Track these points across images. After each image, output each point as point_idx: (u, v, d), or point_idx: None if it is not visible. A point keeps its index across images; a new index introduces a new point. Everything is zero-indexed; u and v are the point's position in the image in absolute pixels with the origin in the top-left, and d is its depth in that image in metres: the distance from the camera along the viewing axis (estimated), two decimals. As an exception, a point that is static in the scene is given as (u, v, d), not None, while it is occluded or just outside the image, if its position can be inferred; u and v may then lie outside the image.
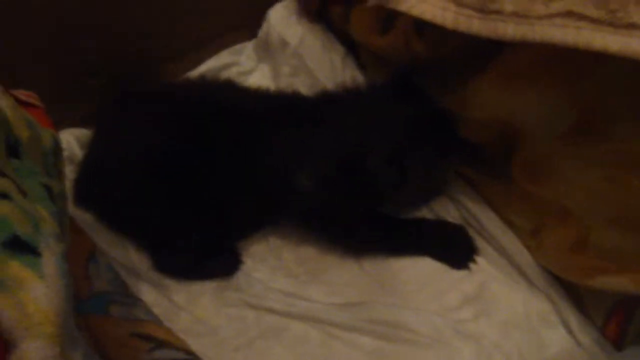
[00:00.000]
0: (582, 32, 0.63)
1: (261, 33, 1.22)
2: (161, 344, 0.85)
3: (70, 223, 0.85)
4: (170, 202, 0.93)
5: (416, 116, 0.92)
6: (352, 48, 1.16)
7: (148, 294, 0.96)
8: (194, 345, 0.92)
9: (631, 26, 0.60)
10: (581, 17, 0.63)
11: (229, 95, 0.99)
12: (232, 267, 1.01)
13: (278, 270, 1.02)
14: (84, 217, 0.98)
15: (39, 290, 0.55)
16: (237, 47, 1.24)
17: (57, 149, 0.78)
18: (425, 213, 1.06)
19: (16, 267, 0.55)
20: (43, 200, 0.66)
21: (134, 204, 0.94)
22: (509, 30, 0.69)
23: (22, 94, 0.80)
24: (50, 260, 0.58)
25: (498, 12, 0.70)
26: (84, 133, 1.06)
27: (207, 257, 1.01)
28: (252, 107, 0.97)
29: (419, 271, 1.01)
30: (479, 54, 0.84)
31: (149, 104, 0.97)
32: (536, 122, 0.84)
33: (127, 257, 0.98)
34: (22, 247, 0.57)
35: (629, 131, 0.73)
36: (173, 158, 0.92)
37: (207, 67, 1.20)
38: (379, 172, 0.90)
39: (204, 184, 0.93)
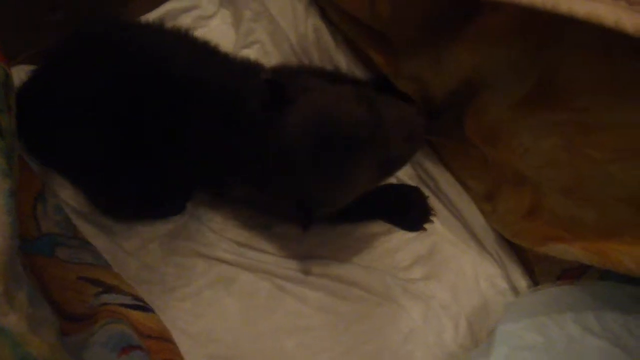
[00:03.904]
0: (550, -5, 0.62)
1: (222, -25, 1.19)
2: (109, 288, 0.84)
3: (19, 161, 0.83)
4: (106, 144, 0.89)
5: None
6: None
7: (98, 239, 0.94)
8: (142, 292, 0.91)
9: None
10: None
11: (176, 52, 0.92)
12: (175, 209, 1.00)
13: (230, 220, 1.00)
14: (30, 158, 0.95)
15: (-17, 227, 0.53)
16: (199, -10, 1.20)
17: (8, 82, 0.75)
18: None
19: (-42, 202, 0.53)
20: (-11, 134, 0.64)
21: (71, 144, 0.91)
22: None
23: (-30, 25, 0.76)
24: None
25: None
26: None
27: (149, 198, 0.98)
28: (193, 72, 0.89)
29: (371, 229, 1.01)
30: (449, 15, 0.83)
31: (98, 46, 0.92)
32: (497, 81, 0.84)
33: (77, 200, 0.96)
34: (-36, 182, 0.54)
35: (589, 103, 0.73)
36: (114, 104, 0.88)
37: (167, 8, 1.15)
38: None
39: (141, 133, 0.89)
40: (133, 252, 0.96)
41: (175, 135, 0.88)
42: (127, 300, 0.83)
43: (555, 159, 0.80)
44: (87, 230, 0.94)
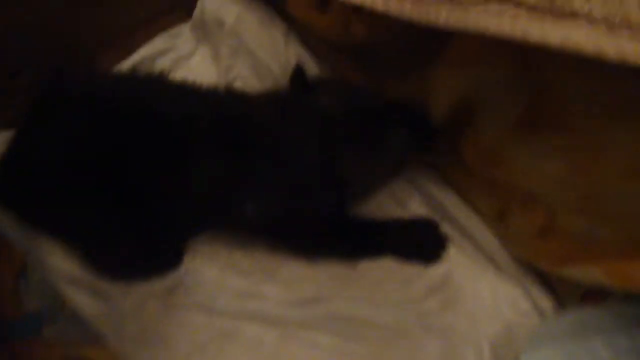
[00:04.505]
0: (519, 21, 0.55)
1: (196, 13, 1.13)
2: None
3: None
4: (98, 201, 0.86)
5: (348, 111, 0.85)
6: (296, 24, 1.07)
7: (90, 305, 0.90)
8: (144, 355, 0.88)
9: (572, 15, 0.53)
10: (518, 3, 0.55)
11: (158, 96, 0.89)
12: (172, 263, 0.95)
13: (229, 269, 0.95)
14: (13, 229, 0.91)
15: None
16: (174, 30, 1.15)
17: None
18: (386, 200, 1.00)
19: None
20: None
21: (60, 203, 0.87)
22: (441, 15, 0.61)
23: None
24: None
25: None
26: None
27: (145, 255, 0.94)
28: (181, 113, 0.87)
29: (380, 262, 0.96)
30: (430, 38, 0.77)
31: (76, 100, 0.88)
32: (489, 103, 0.78)
33: (67, 266, 0.91)
34: None
35: (588, 124, 0.67)
36: (100, 157, 0.84)
37: (141, 55, 1.11)
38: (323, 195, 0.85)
39: (133, 185, 0.85)
40: (130, 313, 0.91)
41: (171, 179, 0.85)
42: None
43: (562, 181, 0.74)
44: (79, 297, 0.89)
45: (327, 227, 0.93)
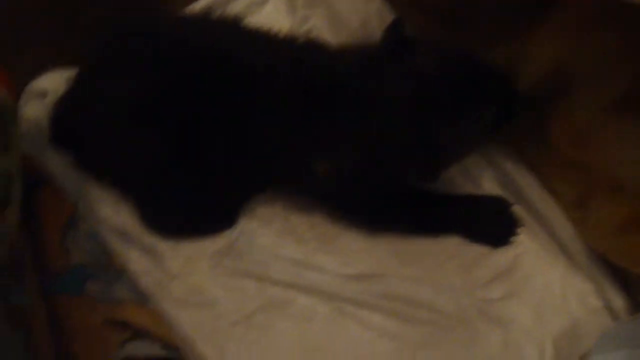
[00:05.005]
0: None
1: (273, -43, 1.08)
2: (138, 332, 0.79)
3: (45, 186, 0.77)
4: (158, 151, 0.84)
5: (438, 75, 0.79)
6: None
7: (138, 261, 0.87)
8: (188, 317, 0.84)
9: None
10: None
11: (232, 42, 0.86)
12: (226, 222, 0.91)
13: (285, 235, 0.91)
14: (67, 174, 0.88)
15: None
16: (248, -26, 1.11)
17: (4, 117, 0.65)
18: (458, 176, 0.94)
19: None
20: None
21: (119, 150, 0.85)
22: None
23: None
24: None
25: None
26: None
27: (199, 212, 0.91)
28: (255, 61, 0.83)
29: (444, 240, 0.91)
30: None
31: (144, 44, 0.85)
32: (587, 77, 0.72)
33: (118, 218, 0.89)
34: None
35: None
36: (165, 105, 0.82)
37: (211, -1, 1.07)
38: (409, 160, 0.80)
39: (197, 136, 0.82)
40: (178, 273, 0.87)
41: (240, 132, 0.82)
42: (155, 349, 0.78)
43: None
44: (127, 251, 0.87)
45: (392, 197, 0.88)
